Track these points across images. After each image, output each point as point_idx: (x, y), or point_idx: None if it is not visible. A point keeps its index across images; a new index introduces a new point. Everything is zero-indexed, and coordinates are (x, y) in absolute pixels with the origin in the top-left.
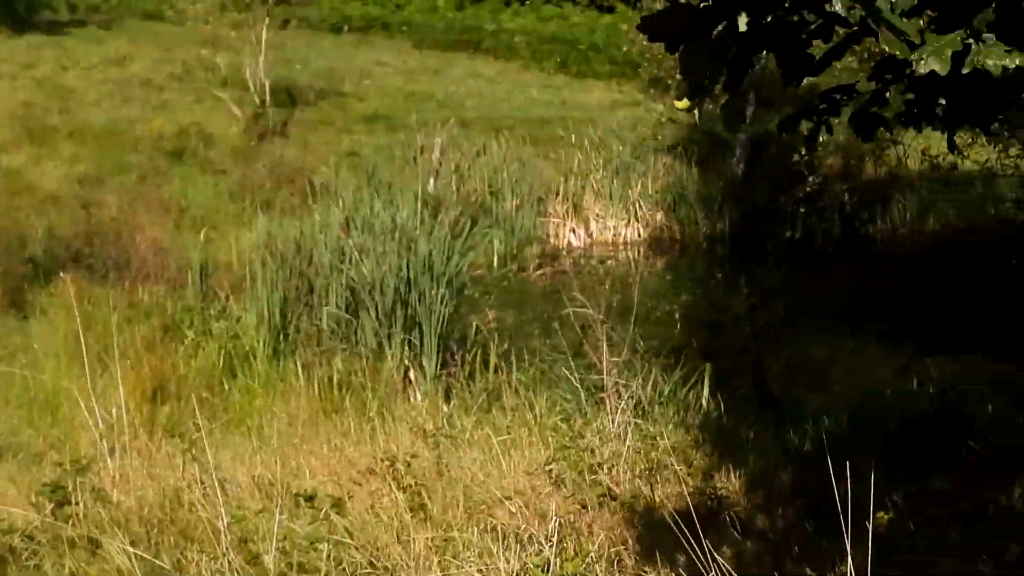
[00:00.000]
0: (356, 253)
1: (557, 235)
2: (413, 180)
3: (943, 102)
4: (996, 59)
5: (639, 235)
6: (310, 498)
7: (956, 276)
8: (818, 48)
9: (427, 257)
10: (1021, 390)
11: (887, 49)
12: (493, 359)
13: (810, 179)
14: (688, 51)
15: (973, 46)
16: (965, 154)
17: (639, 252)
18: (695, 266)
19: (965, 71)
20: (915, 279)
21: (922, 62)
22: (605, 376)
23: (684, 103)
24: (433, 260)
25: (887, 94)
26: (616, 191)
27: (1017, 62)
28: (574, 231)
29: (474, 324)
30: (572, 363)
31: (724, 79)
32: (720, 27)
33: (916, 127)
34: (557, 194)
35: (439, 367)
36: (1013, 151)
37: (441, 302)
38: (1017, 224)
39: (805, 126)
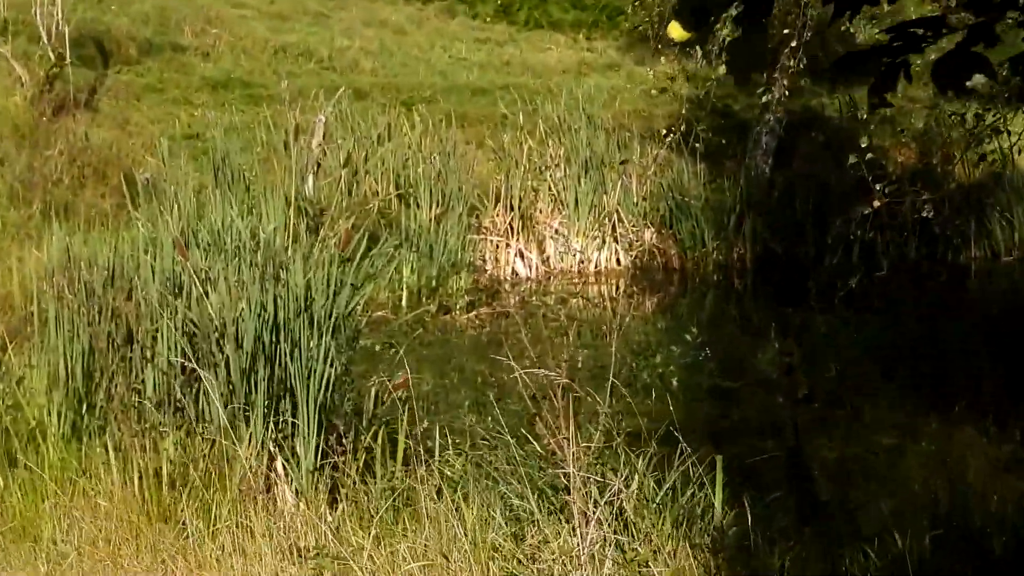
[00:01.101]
0: (198, 284)
1: (497, 261)
2: (283, 177)
3: None
4: None
5: (618, 262)
6: None
7: None
8: None
9: (303, 291)
10: None
11: None
12: (403, 443)
13: (876, 185)
14: None
15: None
16: None
17: (618, 287)
18: (701, 307)
19: None
20: None
21: None
22: (571, 470)
23: (678, 30)
24: (313, 296)
25: (993, 30)
26: (584, 196)
27: None
28: (522, 255)
29: (373, 391)
30: (521, 450)
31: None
32: None
33: None
34: (497, 200)
35: (320, 455)
36: None
37: (324, 358)
38: None
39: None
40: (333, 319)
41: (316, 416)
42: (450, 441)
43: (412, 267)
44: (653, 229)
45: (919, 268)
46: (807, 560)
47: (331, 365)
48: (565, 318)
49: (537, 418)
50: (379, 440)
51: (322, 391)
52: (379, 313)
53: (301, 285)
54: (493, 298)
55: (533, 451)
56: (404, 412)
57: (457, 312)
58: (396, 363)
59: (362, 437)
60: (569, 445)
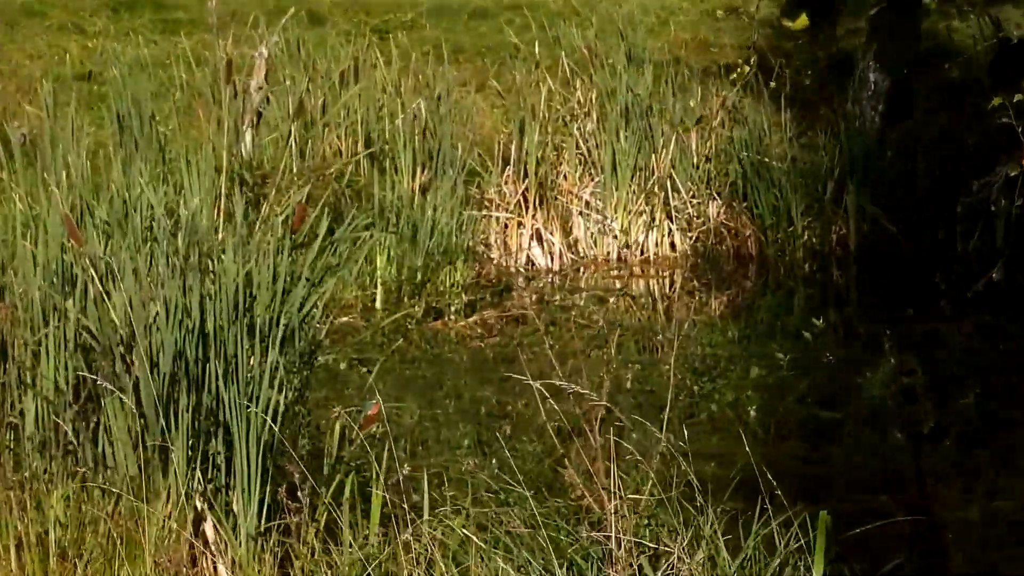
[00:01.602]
0: (96, 280)
1: (506, 246)
2: (211, 132)
3: None
4: None
5: (673, 247)
6: None
7: None
8: None
9: (241, 289)
10: None
11: None
12: (378, 497)
13: None
14: None
15: None
16: None
17: (673, 282)
18: (787, 310)
19: None
20: None
21: None
22: (612, 533)
23: (800, 19)
24: (254, 295)
25: None
26: (625, 157)
27: None
28: (540, 238)
29: (338, 425)
30: (542, 506)
31: None
32: None
33: None
34: (505, 163)
35: (265, 514)
36: None
37: (271, 381)
38: None
39: None
40: (282, 327)
41: (259, 461)
42: (444, 494)
43: (389, 255)
44: (720, 202)
45: None
46: None
47: (280, 391)
48: (602, 324)
49: (565, 461)
50: (346, 493)
51: (267, 426)
52: (345, 319)
53: (238, 281)
54: (501, 297)
55: (559, 508)
56: (381, 454)
57: (452, 317)
58: (368, 387)
59: (322, 489)
60: (610, 499)
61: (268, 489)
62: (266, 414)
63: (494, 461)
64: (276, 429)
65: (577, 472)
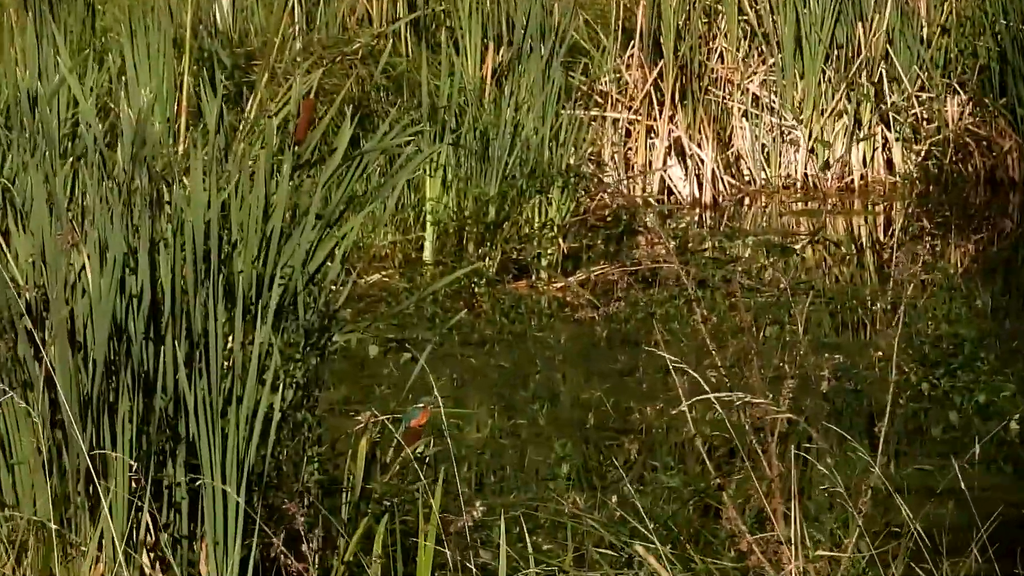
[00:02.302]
0: None
1: (628, 164)
2: None
3: None
4: None
5: (889, 167)
6: None
7: None
8: None
9: (215, 231)
10: None
11: None
12: (428, 548)
13: None
14: None
15: None
16: None
17: (890, 222)
18: None
19: None
20: None
21: None
22: None
23: None
24: (235, 240)
25: None
26: (817, 28)
27: None
28: (681, 152)
29: (363, 442)
30: (685, 569)
31: None
32: None
33: None
34: (629, 35)
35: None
36: None
37: (259, 373)
38: None
39: None
40: (277, 291)
41: (242, 496)
42: (532, 549)
43: (445, 180)
44: (964, 97)
45: None
46: None
47: (274, 389)
48: (783, 286)
49: (724, 499)
50: (376, 546)
51: (254, 444)
52: (377, 277)
53: (210, 218)
54: (621, 244)
55: (712, 570)
56: (432, 487)
57: (543, 276)
58: (412, 384)
59: (341, 541)
60: (793, 556)
61: (255, 540)
62: (252, 425)
63: (611, 499)
64: (269, 449)
65: (741, 516)
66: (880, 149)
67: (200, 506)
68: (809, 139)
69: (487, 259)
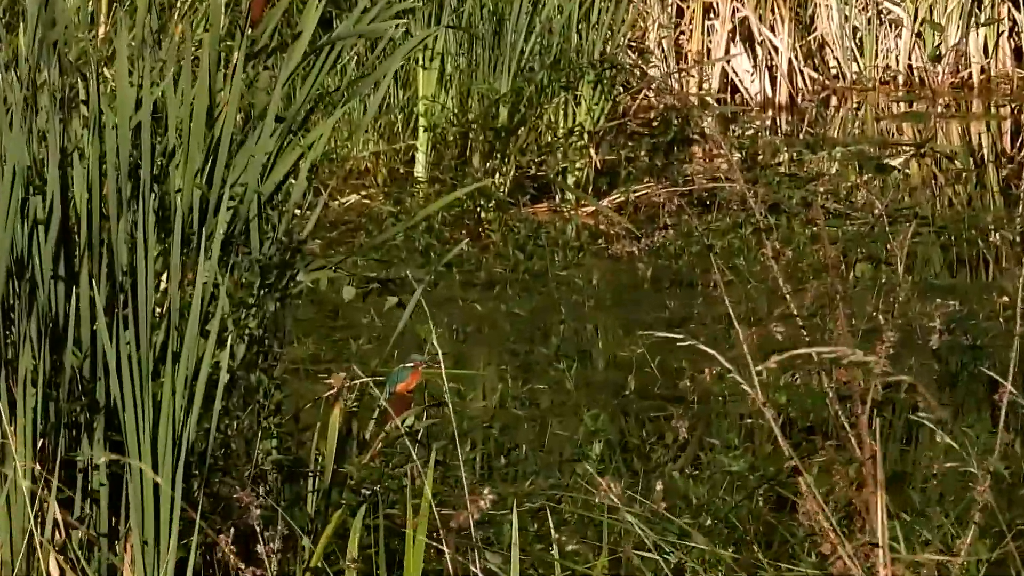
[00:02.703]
0: None
1: (681, 54)
2: None
3: None
4: None
5: (1020, 57)
6: None
7: None
8: None
9: (146, 137)
10: None
11: None
12: (421, 543)
13: None
14: None
15: None
16: None
17: (1020, 129)
18: None
19: None
20: None
21: None
22: None
23: None
24: (171, 148)
25: None
26: None
27: None
28: (749, 39)
29: (335, 411)
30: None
31: None
32: None
33: None
34: None
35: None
36: None
37: (202, 323)
38: None
39: None
40: (224, 216)
41: (177, 483)
42: (559, 545)
43: (443, 73)
44: None
45: None
46: None
47: (219, 344)
48: (878, 212)
49: (800, 486)
50: (351, 545)
51: (194, 415)
52: (354, 197)
53: (137, 120)
54: (669, 157)
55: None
56: (425, 468)
57: (569, 197)
58: (399, 335)
59: (304, 541)
60: (886, 563)
61: (195, 539)
62: (191, 390)
63: (656, 487)
64: (213, 421)
65: (823, 509)
66: (1006, 35)
67: (124, 495)
68: (915, 21)
69: (497, 175)
